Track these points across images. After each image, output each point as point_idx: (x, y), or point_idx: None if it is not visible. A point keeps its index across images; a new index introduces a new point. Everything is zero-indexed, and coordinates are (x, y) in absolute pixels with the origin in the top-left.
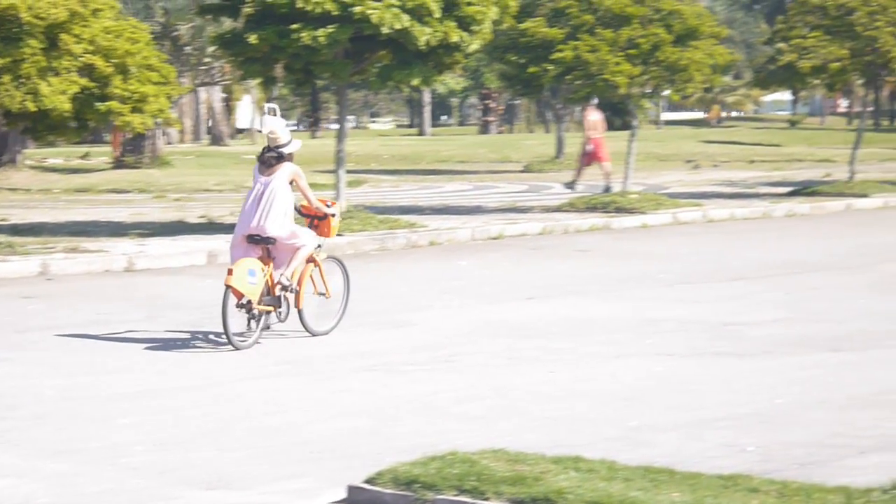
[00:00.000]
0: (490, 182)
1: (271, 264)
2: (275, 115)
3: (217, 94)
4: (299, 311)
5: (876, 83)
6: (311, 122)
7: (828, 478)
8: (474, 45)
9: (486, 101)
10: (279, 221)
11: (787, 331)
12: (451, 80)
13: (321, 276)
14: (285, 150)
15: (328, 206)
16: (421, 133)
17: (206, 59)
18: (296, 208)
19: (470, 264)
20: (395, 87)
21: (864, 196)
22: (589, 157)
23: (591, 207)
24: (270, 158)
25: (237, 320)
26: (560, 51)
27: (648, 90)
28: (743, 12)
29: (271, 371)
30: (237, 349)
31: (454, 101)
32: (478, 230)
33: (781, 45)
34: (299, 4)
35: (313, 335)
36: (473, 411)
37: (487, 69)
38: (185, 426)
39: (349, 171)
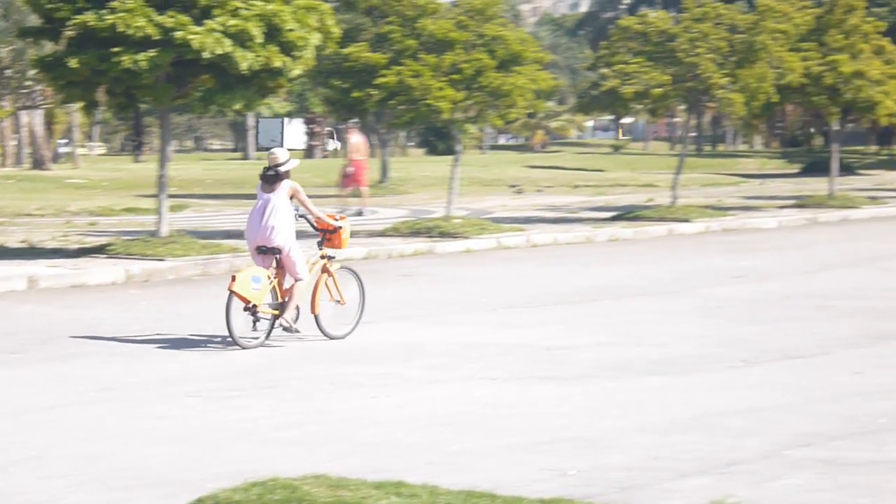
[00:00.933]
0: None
1: (280, 273)
2: (333, 137)
3: (39, 118)
4: (315, 317)
5: (698, 109)
6: (134, 145)
7: (648, 501)
8: (297, 70)
9: (311, 126)
10: (282, 233)
11: (609, 355)
12: (276, 104)
13: (336, 284)
14: (282, 168)
15: (336, 219)
16: (245, 157)
17: (27, 83)
18: (311, 224)
19: None
20: (218, 111)
21: (687, 221)
22: (349, 180)
23: (415, 232)
24: (270, 176)
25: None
26: (383, 76)
27: (472, 115)
28: (567, 38)
29: (89, 397)
30: (244, 349)
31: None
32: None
33: (605, 70)
34: (120, 28)
35: (330, 339)
36: (295, 437)
37: (312, 93)
38: None
39: (172, 196)
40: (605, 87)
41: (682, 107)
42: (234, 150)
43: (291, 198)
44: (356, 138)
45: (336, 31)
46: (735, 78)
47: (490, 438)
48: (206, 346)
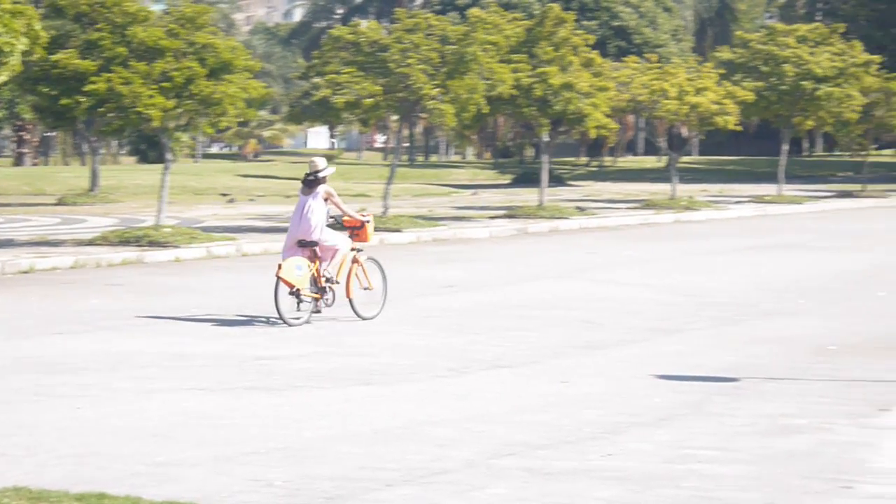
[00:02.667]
0: (23, 215)
1: (317, 262)
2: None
3: None
4: (350, 300)
5: (410, 119)
6: None
7: None
8: (3, 77)
9: (21, 133)
10: (318, 228)
11: (318, 365)
12: None
13: (364, 273)
14: (321, 174)
15: (363, 216)
16: None
17: None
18: (339, 222)
19: None
20: None
21: (398, 231)
22: None
23: (125, 241)
24: (310, 181)
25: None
26: (93, 83)
27: (183, 123)
28: (281, 47)
29: None
30: (290, 326)
31: None
32: (7, 264)
33: (317, 80)
34: None
35: (362, 319)
36: None
37: (21, 100)
38: None
39: None
40: (317, 96)
41: (395, 117)
42: None
43: (326, 199)
44: None
45: (44, 36)
46: (446, 89)
47: (197, 449)
48: None
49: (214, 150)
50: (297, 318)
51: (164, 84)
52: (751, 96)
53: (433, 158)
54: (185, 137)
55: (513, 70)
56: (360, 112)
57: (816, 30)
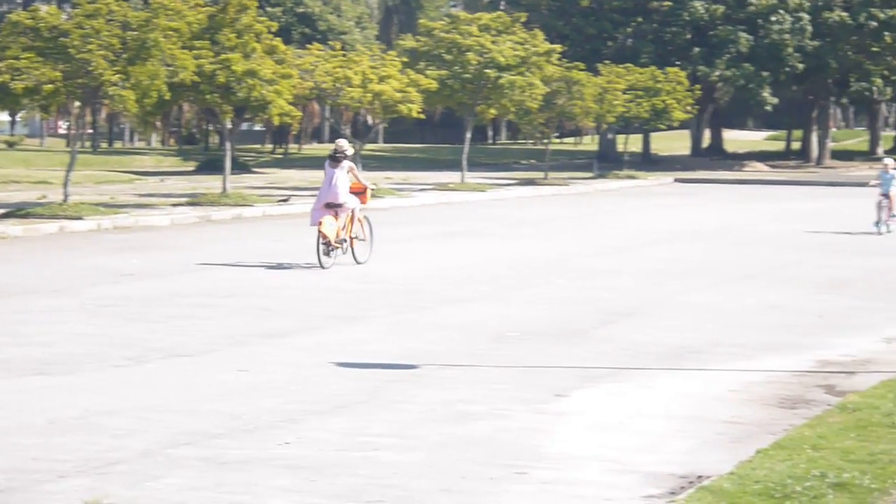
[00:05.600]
0: None
1: (338, 220)
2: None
3: None
4: (352, 249)
5: (92, 105)
6: None
7: (25, 503)
8: None
9: None
10: (342, 194)
11: None
12: None
13: (361, 228)
14: (346, 153)
15: (366, 186)
16: None
17: None
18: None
19: None
20: None
21: (79, 218)
22: None
23: None
24: (339, 157)
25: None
26: None
27: None
28: None
29: None
30: (325, 269)
31: None
32: None
33: None
34: None
35: (359, 263)
36: None
37: None
38: None
39: None
40: None
41: (77, 103)
42: None
43: (348, 172)
44: None
45: None
46: (127, 75)
47: None
48: None
49: None
50: (328, 263)
51: None
52: (434, 85)
53: (117, 145)
54: None
55: (195, 56)
56: (40, 98)
57: (499, 18)
